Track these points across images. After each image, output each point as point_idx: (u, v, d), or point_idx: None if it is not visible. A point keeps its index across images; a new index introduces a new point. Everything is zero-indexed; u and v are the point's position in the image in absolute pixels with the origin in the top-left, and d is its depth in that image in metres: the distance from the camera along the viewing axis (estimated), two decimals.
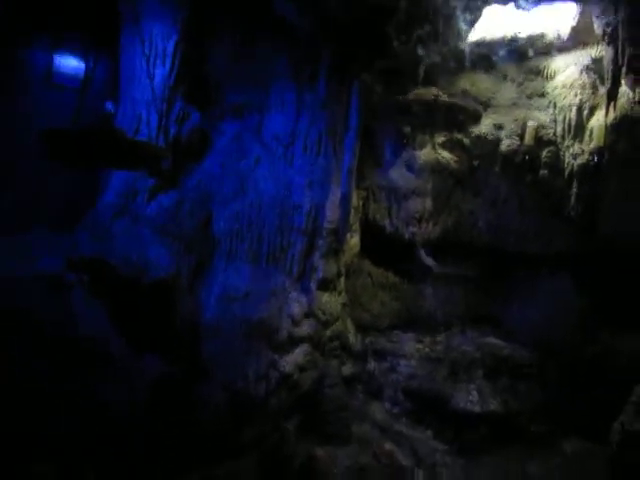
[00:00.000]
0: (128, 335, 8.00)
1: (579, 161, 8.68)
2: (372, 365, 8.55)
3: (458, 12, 7.81)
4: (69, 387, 7.17)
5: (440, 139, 8.79)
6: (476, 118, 8.46)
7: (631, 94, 8.28)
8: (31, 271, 8.56)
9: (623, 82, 8.34)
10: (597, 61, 8.83)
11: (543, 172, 8.82)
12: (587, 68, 8.91)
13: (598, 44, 8.76)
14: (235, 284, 7.98)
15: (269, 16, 7.71)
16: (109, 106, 10.03)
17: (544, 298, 9.00)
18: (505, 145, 8.82)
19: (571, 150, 8.78)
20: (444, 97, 7.80)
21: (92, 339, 7.85)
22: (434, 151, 8.76)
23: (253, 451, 7.15)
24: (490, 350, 8.60)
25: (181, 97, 8.94)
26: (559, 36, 9.12)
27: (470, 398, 8.11)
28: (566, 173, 8.77)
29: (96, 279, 8.44)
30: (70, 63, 10.60)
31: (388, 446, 7.74)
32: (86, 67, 10.69)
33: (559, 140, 8.84)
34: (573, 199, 8.73)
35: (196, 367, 7.77)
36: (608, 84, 8.47)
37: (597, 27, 8.42)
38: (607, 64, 8.46)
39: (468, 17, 7.99)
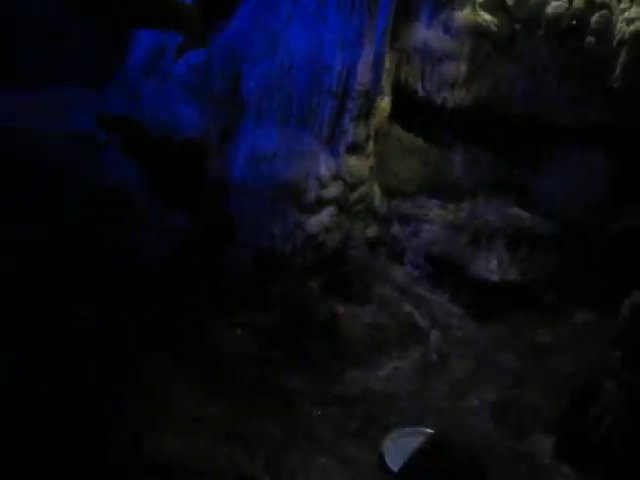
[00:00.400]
0: (158, 192, 8.25)
1: (632, 28, 8.09)
2: (396, 229, 8.71)
3: None
4: (100, 235, 7.48)
5: None
6: None
7: None
8: (61, 127, 8.69)
9: None
10: None
11: (589, 39, 8.27)
12: None
13: None
14: (263, 145, 7.99)
15: None
16: None
17: (573, 172, 8.87)
18: (552, 7, 8.22)
19: (626, 14, 8.16)
20: None
21: (123, 192, 8.12)
22: (474, 12, 8.24)
23: (277, 306, 7.54)
24: (513, 220, 8.66)
25: None
26: None
27: (489, 267, 8.32)
28: (615, 41, 8.24)
29: (127, 137, 8.56)
30: None
31: (407, 307, 8.12)
32: None
33: (614, 3, 8.22)
34: (618, 70, 8.27)
35: (223, 226, 8.06)
36: None
37: None
38: None
39: None
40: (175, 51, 8.61)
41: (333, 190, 8.02)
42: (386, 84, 8.39)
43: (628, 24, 8.15)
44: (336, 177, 7.99)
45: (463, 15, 8.32)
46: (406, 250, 8.62)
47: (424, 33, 8.49)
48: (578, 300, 8.34)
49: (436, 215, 8.67)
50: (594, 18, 8.26)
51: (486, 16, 8.33)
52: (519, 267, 8.46)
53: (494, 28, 8.34)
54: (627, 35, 8.15)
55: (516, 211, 8.78)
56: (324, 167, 7.92)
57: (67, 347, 5.89)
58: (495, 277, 8.34)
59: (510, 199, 8.89)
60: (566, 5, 8.30)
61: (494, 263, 8.45)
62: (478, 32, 8.31)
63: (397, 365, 7.27)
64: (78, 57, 9.63)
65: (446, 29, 8.41)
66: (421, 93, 8.66)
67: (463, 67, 8.45)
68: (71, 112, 9.03)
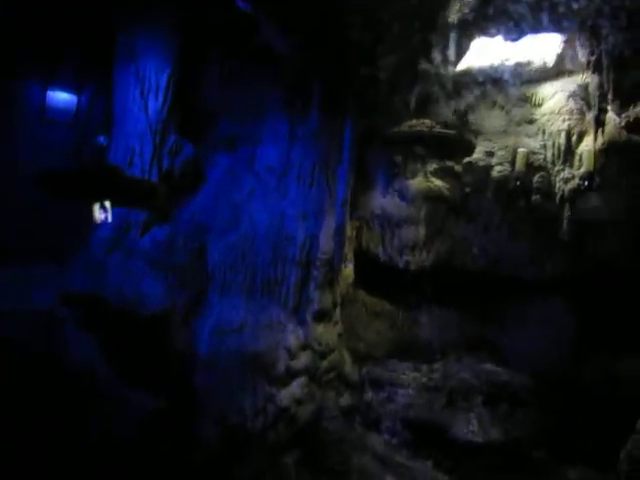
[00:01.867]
0: (121, 369, 7.94)
1: (570, 185, 8.78)
2: (369, 395, 8.46)
3: (449, 43, 7.94)
4: (59, 420, 7.10)
5: (432, 167, 8.86)
6: (469, 148, 8.55)
7: (617, 119, 8.44)
8: (25, 305, 8.53)
9: (609, 108, 8.52)
10: (583, 88, 9.00)
11: (535, 197, 8.90)
12: (574, 94, 9.07)
13: (583, 71, 8.95)
14: (230, 317, 7.94)
15: (261, 45, 7.81)
16: (102, 140, 10.17)
17: (539, 323, 8.99)
18: (497, 171, 8.90)
19: (562, 175, 8.88)
20: (437, 128, 7.89)
21: (84, 373, 7.79)
22: (426, 179, 8.81)
23: None
24: (488, 377, 8.54)
25: (174, 130, 9.03)
26: (545, 64, 9.31)
27: (470, 427, 8.03)
28: (557, 198, 8.86)
29: (89, 314, 8.40)
30: (63, 98, 10.71)
31: (389, 479, 7.64)
32: (79, 101, 10.90)
33: (549, 165, 8.95)
34: (565, 223, 8.80)
35: (189, 402, 7.70)
36: (595, 110, 8.65)
37: (582, 55, 8.64)
38: (593, 91, 8.66)
39: (458, 48, 8.13)
40: (141, 227, 8.80)
41: (303, 360, 7.85)
42: (349, 251, 8.65)
43: (566, 182, 8.83)
44: (305, 346, 7.87)
45: (416, 182, 8.86)
46: (382, 417, 8.29)
47: (381, 201, 8.96)
48: (568, 455, 7.95)
49: (409, 378, 8.50)
50: (535, 179, 8.95)
51: (438, 182, 8.89)
52: (501, 426, 8.16)
53: (447, 193, 8.87)
54: (567, 192, 8.79)
55: (490, 367, 8.69)
56: (292, 337, 7.83)
57: None
58: (478, 438, 7.99)
59: (482, 355, 8.85)
60: (509, 168, 8.99)
61: (474, 423, 8.15)
62: (432, 197, 8.81)
63: None
64: (46, 234, 9.73)
65: (402, 196, 8.90)
66: (383, 258, 8.93)
67: (422, 230, 8.84)
68: (36, 290, 8.93)
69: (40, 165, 10.08)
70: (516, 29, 8.09)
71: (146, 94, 8.84)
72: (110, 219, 7.33)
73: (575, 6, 7.38)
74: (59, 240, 9.53)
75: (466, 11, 7.54)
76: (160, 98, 8.88)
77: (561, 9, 7.50)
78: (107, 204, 7.16)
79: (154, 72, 8.91)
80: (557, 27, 8.16)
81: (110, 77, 9.52)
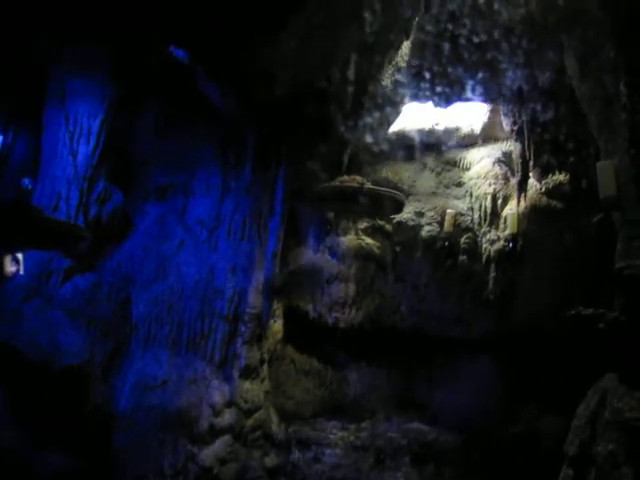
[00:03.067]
0: (31, 427, 7.40)
1: (495, 247, 9.14)
2: (296, 455, 8.23)
3: (380, 107, 8.23)
4: None
5: (363, 225, 9.05)
6: (400, 206, 8.80)
7: (538, 185, 8.93)
8: None
9: (531, 175, 9.02)
10: (508, 154, 9.55)
11: (462, 257, 9.21)
12: (499, 160, 9.60)
13: (508, 139, 9.47)
14: (152, 371, 7.60)
15: (195, 97, 7.82)
16: (27, 182, 9.76)
17: (466, 382, 9.13)
18: (425, 231, 9.19)
19: (487, 236, 9.26)
20: (369, 185, 8.07)
21: None
22: (357, 237, 8.97)
23: None
24: (416, 436, 8.54)
25: (104, 176, 8.75)
26: (472, 130, 9.85)
27: None
28: (484, 258, 9.20)
29: None
30: None
31: None
32: (4, 142, 10.47)
33: (476, 227, 9.32)
34: (491, 283, 9.11)
35: (107, 461, 7.25)
36: (518, 176, 9.15)
37: (505, 125, 9.18)
38: (516, 158, 9.18)
39: (389, 111, 8.44)
40: (62, 275, 8.39)
41: (227, 417, 7.58)
42: (278, 307, 8.56)
43: (491, 244, 9.19)
44: (230, 403, 7.61)
45: (347, 239, 9.00)
46: (308, 477, 8.06)
47: (312, 257, 9.03)
48: None
49: (337, 437, 8.37)
50: (462, 239, 9.27)
51: (368, 240, 9.07)
52: None
53: (377, 251, 9.04)
54: (492, 253, 9.13)
55: (417, 426, 8.71)
56: (217, 393, 7.56)
57: None
58: None
59: (410, 414, 8.88)
60: (438, 229, 9.29)
61: None
62: (363, 255, 8.96)
63: None
64: None
65: (333, 253, 9.00)
66: (312, 314, 8.93)
67: (351, 288, 8.92)
68: None
69: None
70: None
71: (77, 138, 8.58)
72: (22, 272, 6.91)
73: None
74: None
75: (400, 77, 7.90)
76: (91, 143, 8.63)
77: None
78: (19, 256, 6.78)
79: (86, 116, 8.68)
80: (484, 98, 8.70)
81: (40, 118, 9.24)
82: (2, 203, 6.71)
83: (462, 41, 7.36)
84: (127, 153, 8.95)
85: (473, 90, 8.20)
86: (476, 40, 7.32)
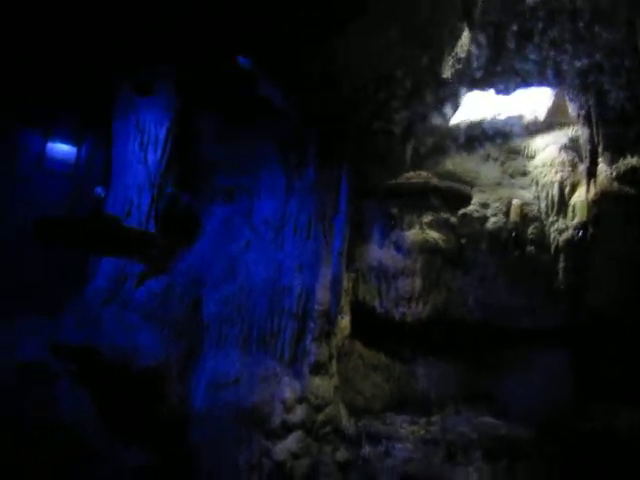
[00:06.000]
0: (114, 425, 7.80)
1: (564, 236, 8.87)
2: (367, 450, 8.27)
3: (441, 98, 8.13)
4: (51, 477, 6.94)
5: (427, 219, 8.95)
6: (467, 200, 8.66)
7: (609, 171, 8.57)
8: (13, 359, 8.38)
9: (600, 160, 8.67)
10: (574, 140, 9.21)
11: (530, 248, 8.98)
12: (565, 147, 9.28)
13: (574, 124, 9.14)
14: (225, 370, 7.86)
15: (255, 101, 7.97)
16: (99, 191, 10.25)
17: (537, 373, 8.91)
18: (491, 223, 9.00)
19: (556, 226, 8.98)
20: (435, 180, 7.99)
21: (76, 429, 7.64)
22: (422, 231, 8.89)
23: None
24: (486, 430, 8.41)
25: (172, 181, 9.12)
26: (536, 117, 9.55)
27: None
28: (552, 248, 8.93)
29: (83, 367, 8.29)
30: (62, 149, 10.87)
31: None
32: (78, 153, 11.05)
33: (543, 216, 9.06)
34: (561, 273, 8.84)
35: (183, 457, 7.54)
36: (586, 162, 8.81)
37: (572, 109, 8.85)
38: (584, 143, 8.84)
39: (450, 102, 8.33)
40: (136, 279, 8.78)
41: (299, 413, 7.72)
42: (345, 303, 8.62)
43: (560, 233, 8.91)
44: (301, 399, 7.75)
45: (412, 234, 8.93)
46: (379, 472, 8.08)
47: (378, 253, 9.01)
48: None
49: (407, 432, 8.34)
50: (529, 229, 9.04)
51: (433, 234, 8.96)
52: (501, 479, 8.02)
53: (442, 244, 8.93)
54: (561, 243, 8.86)
55: (488, 420, 8.56)
56: (288, 390, 7.72)
57: None
58: None
59: (480, 408, 8.73)
60: (504, 220, 9.08)
61: (474, 478, 7.99)
62: (428, 249, 8.86)
63: None
64: (35, 284, 9.66)
65: (398, 248, 8.95)
66: (379, 310, 8.91)
67: (418, 282, 8.85)
68: (24, 342, 8.79)
69: (36, 214, 10.24)
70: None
71: (145, 146, 8.99)
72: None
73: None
74: (51, 291, 9.46)
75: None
76: (159, 151, 9.01)
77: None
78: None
79: (153, 125, 9.07)
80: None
81: (110, 129, 9.68)
82: (83, 215, 7.09)
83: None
84: (193, 158, 9.24)
85: (538, 75, 7.94)
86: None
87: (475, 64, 7.77)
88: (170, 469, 7.53)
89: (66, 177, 10.91)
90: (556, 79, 8.19)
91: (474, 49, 7.58)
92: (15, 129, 10.74)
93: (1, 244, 10.08)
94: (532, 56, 7.73)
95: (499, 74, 8.01)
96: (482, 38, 7.49)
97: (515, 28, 7.37)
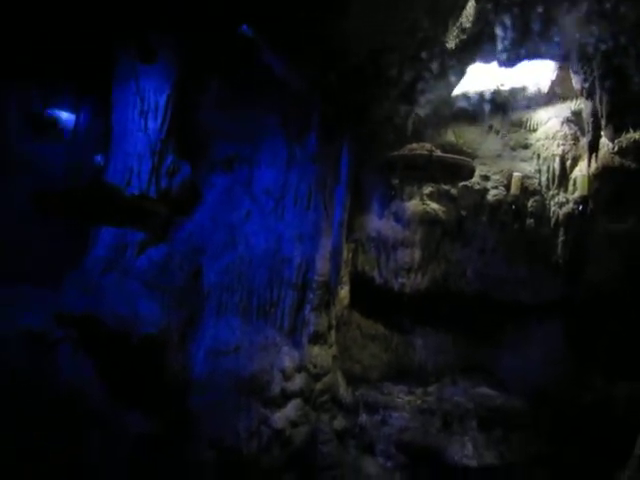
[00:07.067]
0: (116, 391, 7.88)
1: (564, 210, 8.87)
2: (364, 418, 8.43)
3: (445, 68, 8.04)
4: (52, 443, 7.04)
5: (428, 190, 8.92)
6: (467, 172, 8.60)
7: (611, 145, 8.53)
8: (13, 327, 8.42)
9: (603, 134, 8.62)
10: (577, 113, 9.15)
11: (530, 221, 8.98)
12: (568, 120, 9.22)
13: (577, 97, 9.07)
14: (225, 338, 7.93)
15: (257, 69, 7.88)
16: (99, 159, 10.18)
17: (535, 346, 9.01)
18: (492, 195, 8.98)
19: (556, 199, 8.97)
20: (438, 152, 7.92)
21: (77, 395, 7.72)
22: (422, 202, 8.87)
23: None
24: (482, 400, 8.55)
25: (172, 150, 9.04)
26: (539, 89, 9.46)
27: (465, 451, 8.02)
28: (552, 222, 8.93)
29: (84, 335, 8.33)
30: (61, 116, 10.75)
31: None
32: (76, 120, 10.92)
33: (544, 190, 9.04)
34: (560, 247, 8.87)
35: (183, 424, 7.64)
36: (589, 136, 8.74)
37: (575, 82, 8.74)
38: (586, 117, 8.75)
39: (453, 73, 8.24)
40: (137, 247, 8.77)
41: (297, 382, 7.85)
42: (344, 273, 8.66)
43: (560, 207, 8.91)
44: (300, 368, 7.87)
45: (412, 205, 8.91)
46: (376, 440, 8.26)
47: (377, 223, 9.01)
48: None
49: (404, 401, 8.48)
50: (530, 203, 9.03)
51: (434, 205, 8.95)
52: (496, 449, 8.17)
53: (442, 216, 8.93)
54: (561, 216, 8.87)
55: (484, 390, 8.70)
56: (287, 359, 7.83)
57: None
58: (473, 462, 7.99)
59: (477, 378, 8.86)
60: (504, 192, 9.06)
61: (469, 447, 8.14)
62: (428, 220, 8.86)
63: None
64: (37, 254, 9.66)
65: (398, 219, 8.95)
66: (378, 280, 8.95)
67: (417, 253, 8.87)
68: (30, 311, 8.82)
69: (35, 183, 10.19)
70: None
71: (145, 114, 8.89)
72: None
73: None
74: (50, 261, 9.46)
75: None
76: (159, 118, 8.91)
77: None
78: None
79: (153, 92, 8.95)
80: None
81: (109, 96, 9.56)
82: (82, 185, 7.05)
83: None
84: (193, 127, 9.17)
85: (544, 47, 7.83)
86: None
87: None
88: (171, 435, 7.63)
89: (65, 145, 10.82)
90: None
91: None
92: (11, 96, 10.60)
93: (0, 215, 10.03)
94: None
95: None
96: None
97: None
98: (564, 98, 9.39)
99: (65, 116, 10.78)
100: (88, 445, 7.22)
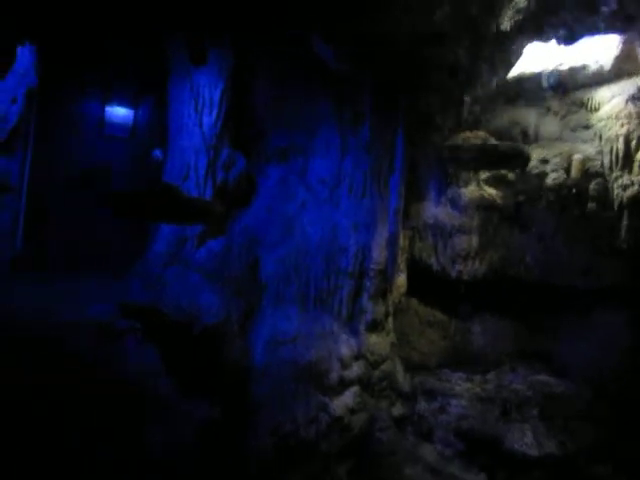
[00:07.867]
0: (179, 379, 8.16)
1: (628, 192, 8.52)
2: (422, 405, 8.41)
3: (500, 49, 7.82)
4: (118, 429, 7.31)
5: (484, 175, 8.78)
6: (525, 160, 8.39)
7: None
8: (81, 317, 8.82)
9: None
10: None
11: (591, 205, 8.69)
12: (633, 98, 8.78)
13: None
14: (283, 327, 8.06)
15: (308, 59, 7.89)
16: (158, 153, 10.48)
17: (596, 333, 8.77)
18: (551, 179, 8.73)
19: (620, 182, 8.63)
20: (492, 140, 7.75)
21: (142, 382, 8.02)
22: (479, 188, 8.73)
23: None
24: (542, 388, 8.38)
25: (227, 143, 9.22)
26: (601, 67, 9.06)
27: (525, 440, 7.89)
28: (615, 205, 8.61)
29: (149, 325, 8.65)
30: (120, 113, 11.11)
31: None
32: (135, 116, 11.26)
33: (607, 172, 8.71)
34: (623, 232, 8.55)
35: (244, 411, 7.84)
36: None
37: None
38: None
39: (509, 54, 8.01)
40: (196, 240, 9.03)
41: (355, 369, 7.89)
42: (401, 261, 8.64)
43: (624, 189, 8.57)
44: (358, 356, 7.91)
45: (469, 191, 8.79)
46: (434, 427, 8.23)
47: (434, 210, 8.94)
48: (631, 472, 7.70)
49: (462, 388, 8.42)
50: (591, 186, 8.72)
51: (490, 190, 8.79)
52: (557, 439, 7.98)
53: (500, 201, 8.76)
54: (625, 200, 8.53)
55: (544, 378, 8.53)
56: (345, 347, 7.88)
57: None
58: (533, 451, 7.83)
59: (536, 366, 8.70)
60: (564, 176, 8.79)
61: (529, 436, 8.00)
62: (485, 206, 8.72)
63: None
64: (106, 249, 10.09)
65: (454, 205, 8.84)
66: (435, 267, 8.90)
67: (474, 239, 8.76)
68: (97, 302, 9.24)
69: (98, 179, 10.60)
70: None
71: (200, 109, 9.07)
72: None
73: None
74: (115, 254, 9.86)
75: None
76: (214, 113, 9.09)
77: None
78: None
79: (208, 87, 9.12)
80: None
81: (165, 92, 9.82)
82: (148, 188, 7.31)
83: None
84: (247, 119, 9.30)
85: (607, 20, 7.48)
86: None
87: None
88: (232, 422, 7.82)
89: (125, 141, 11.19)
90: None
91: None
92: (73, 95, 11.01)
93: (65, 209, 10.48)
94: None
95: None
96: None
97: None
98: (630, 74, 8.97)
99: (125, 113, 11.14)
100: (154, 431, 7.49)
